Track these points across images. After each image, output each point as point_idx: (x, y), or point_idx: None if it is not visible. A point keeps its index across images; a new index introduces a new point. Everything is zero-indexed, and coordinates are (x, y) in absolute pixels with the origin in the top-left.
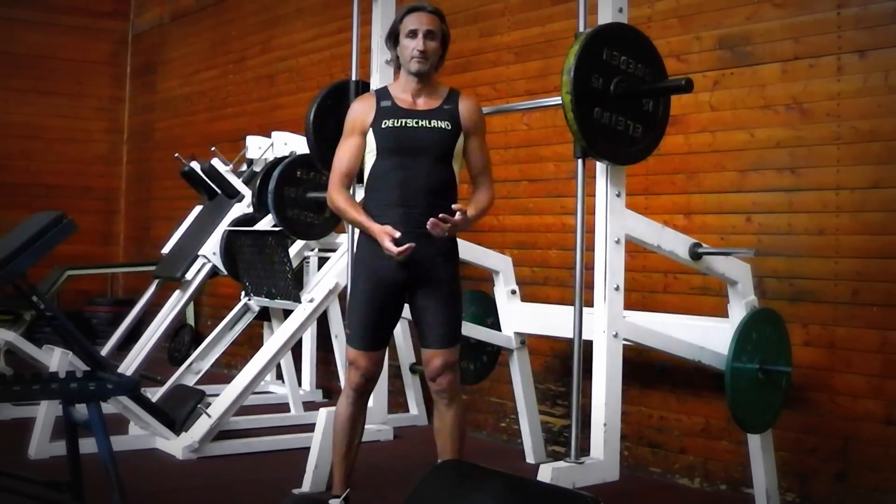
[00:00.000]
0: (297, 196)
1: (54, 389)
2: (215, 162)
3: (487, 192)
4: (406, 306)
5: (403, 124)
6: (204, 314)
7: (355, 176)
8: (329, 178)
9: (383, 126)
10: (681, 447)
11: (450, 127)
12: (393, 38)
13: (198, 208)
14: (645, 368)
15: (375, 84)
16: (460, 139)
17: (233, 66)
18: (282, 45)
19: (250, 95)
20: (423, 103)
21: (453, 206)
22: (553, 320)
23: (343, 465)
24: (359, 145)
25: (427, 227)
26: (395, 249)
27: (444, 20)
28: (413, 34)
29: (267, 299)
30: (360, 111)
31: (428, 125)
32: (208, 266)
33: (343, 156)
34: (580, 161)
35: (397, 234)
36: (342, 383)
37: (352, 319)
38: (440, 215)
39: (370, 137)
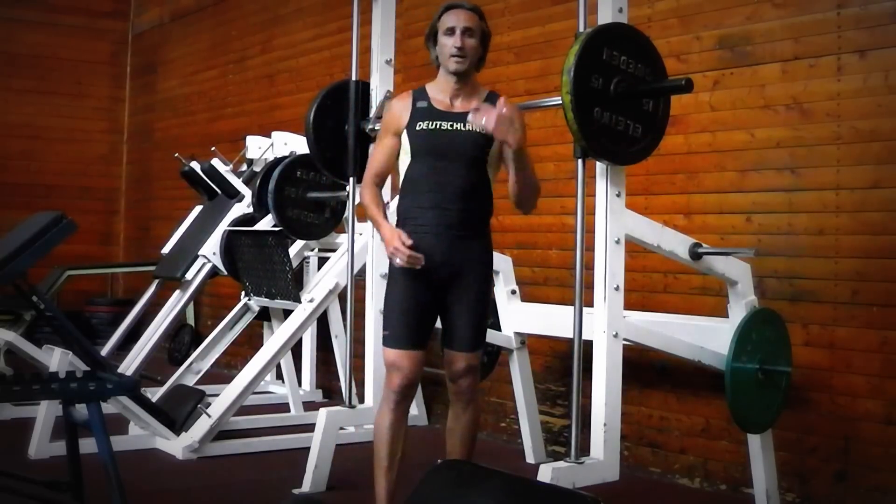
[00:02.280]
0: (297, 196)
1: (54, 389)
2: (215, 162)
3: (533, 180)
4: None
5: (437, 127)
6: (204, 314)
7: (387, 176)
8: (364, 174)
9: (417, 128)
10: (681, 447)
11: (484, 131)
12: (432, 37)
13: (198, 208)
14: (645, 368)
15: (375, 84)
16: (495, 144)
17: (233, 66)
18: (282, 45)
19: (250, 95)
20: (459, 105)
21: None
22: (553, 320)
23: (385, 481)
24: (393, 146)
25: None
26: (404, 249)
27: (483, 17)
28: (451, 32)
29: (267, 299)
30: (397, 112)
31: (462, 129)
32: (208, 266)
33: (377, 156)
34: (580, 161)
35: (409, 241)
36: (342, 383)
37: (390, 318)
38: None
39: (404, 139)
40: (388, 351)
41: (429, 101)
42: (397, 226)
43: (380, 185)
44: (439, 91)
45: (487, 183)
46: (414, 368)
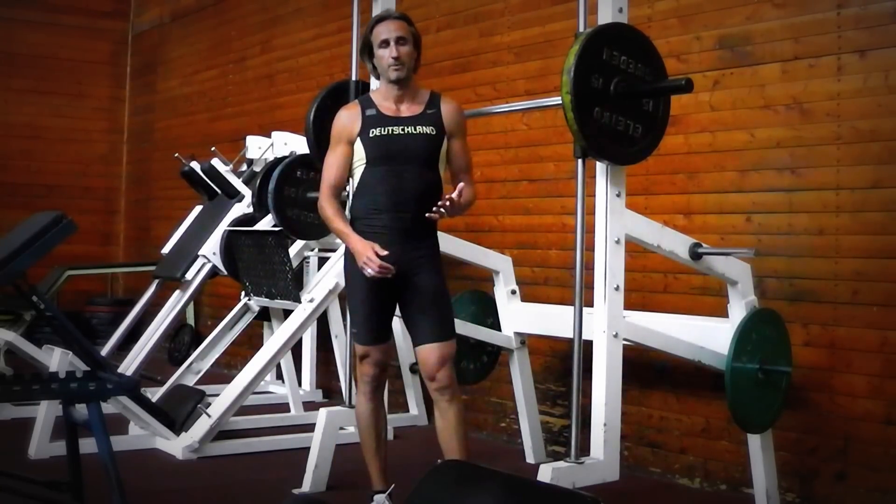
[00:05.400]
0: (297, 196)
1: (54, 389)
2: (215, 162)
3: (471, 188)
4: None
5: (390, 132)
6: (204, 314)
7: (344, 186)
8: (320, 186)
9: (371, 135)
10: (681, 447)
11: (434, 132)
12: (367, 51)
13: (198, 208)
14: (645, 368)
15: (375, 84)
16: (445, 142)
17: (233, 66)
18: (282, 45)
19: (250, 95)
20: (406, 109)
21: (452, 195)
22: (553, 320)
23: (376, 461)
24: (346, 154)
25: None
26: (375, 263)
27: (411, 23)
28: (385, 43)
29: (267, 299)
30: (346, 121)
31: (414, 131)
32: (208, 266)
33: (331, 166)
34: (580, 161)
35: (383, 252)
36: (342, 383)
37: (356, 319)
38: (439, 203)
39: (358, 146)
40: (357, 346)
41: (376, 108)
42: (351, 226)
43: (338, 196)
44: (384, 98)
45: (440, 182)
46: (382, 357)
